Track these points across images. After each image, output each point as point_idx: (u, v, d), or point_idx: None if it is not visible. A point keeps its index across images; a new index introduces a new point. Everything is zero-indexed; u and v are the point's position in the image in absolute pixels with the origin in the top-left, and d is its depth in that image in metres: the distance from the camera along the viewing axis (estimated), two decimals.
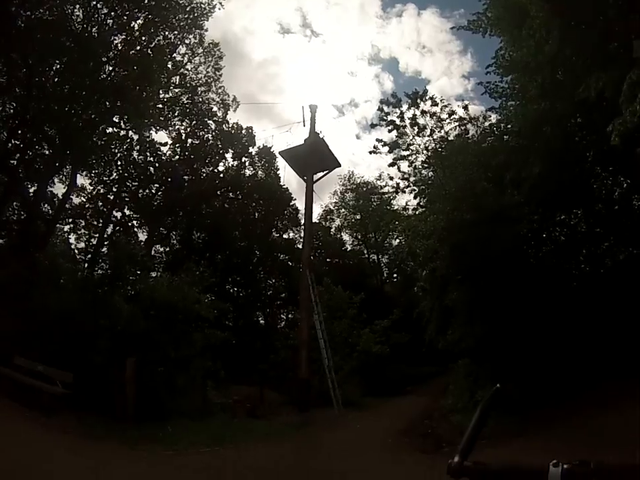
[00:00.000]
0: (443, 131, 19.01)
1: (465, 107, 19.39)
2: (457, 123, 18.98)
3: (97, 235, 23.25)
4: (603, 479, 0.93)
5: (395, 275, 36.69)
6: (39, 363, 10.17)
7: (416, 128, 19.22)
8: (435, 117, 19.16)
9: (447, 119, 19.18)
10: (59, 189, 19.70)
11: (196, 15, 18.99)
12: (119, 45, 17.03)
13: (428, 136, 19.13)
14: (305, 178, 18.98)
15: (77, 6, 15.90)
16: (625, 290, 9.68)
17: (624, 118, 6.27)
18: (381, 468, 7.71)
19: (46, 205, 18.54)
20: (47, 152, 16.70)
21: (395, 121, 19.67)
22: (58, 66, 15.68)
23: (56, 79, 15.74)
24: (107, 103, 16.38)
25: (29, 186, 16.96)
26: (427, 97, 19.39)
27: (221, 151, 26.96)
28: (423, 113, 19.22)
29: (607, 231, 11.84)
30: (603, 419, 6.76)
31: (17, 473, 5.46)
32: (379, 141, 20.58)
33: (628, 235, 11.06)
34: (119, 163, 23.01)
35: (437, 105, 19.32)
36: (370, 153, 20.68)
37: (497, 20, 11.11)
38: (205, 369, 12.88)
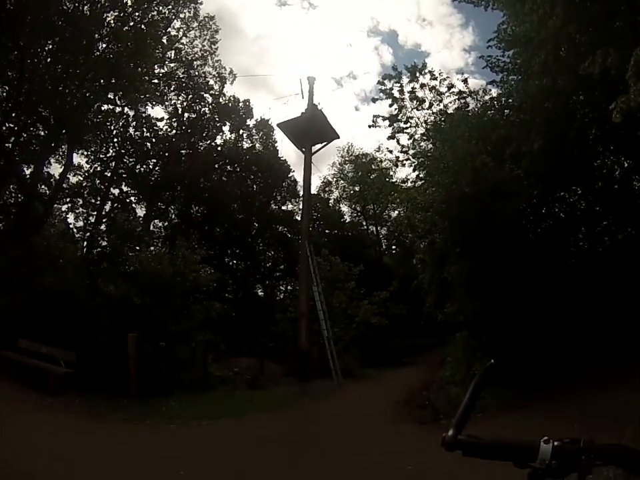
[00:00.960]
0: (442, 104, 18.76)
1: (465, 81, 19.10)
2: (456, 96, 18.71)
3: (95, 213, 23.12)
4: (592, 457, 0.96)
5: (393, 247, 36.57)
6: (42, 345, 10.31)
7: (415, 101, 18.96)
8: (434, 90, 18.88)
9: (446, 92, 18.91)
10: (56, 168, 19.63)
11: None
12: (112, 21, 16.63)
13: (427, 109, 18.89)
14: (304, 150, 18.84)
15: None
16: (623, 269, 9.77)
17: (628, 96, 6.18)
18: (380, 439, 7.85)
19: (43, 186, 18.54)
20: (42, 133, 16.53)
21: (394, 94, 19.39)
22: (50, 46, 15.39)
23: (49, 59, 15.50)
24: (102, 80, 16.13)
25: (25, 168, 16.90)
26: (426, 71, 19.07)
27: (218, 124, 26.55)
28: (422, 86, 18.93)
29: (606, 210, 11.80)
30: (600, 398, 6.82)
31: (24, 453, 5.62)
32: (377, 116, 20.35)
33: (627, 215, 11.05)
34: (115, 139, 22.75)
35: (435, 78, 19.02)
36: (369, 127, 20.46)
37: None
38: (205, 342, 13.06)
